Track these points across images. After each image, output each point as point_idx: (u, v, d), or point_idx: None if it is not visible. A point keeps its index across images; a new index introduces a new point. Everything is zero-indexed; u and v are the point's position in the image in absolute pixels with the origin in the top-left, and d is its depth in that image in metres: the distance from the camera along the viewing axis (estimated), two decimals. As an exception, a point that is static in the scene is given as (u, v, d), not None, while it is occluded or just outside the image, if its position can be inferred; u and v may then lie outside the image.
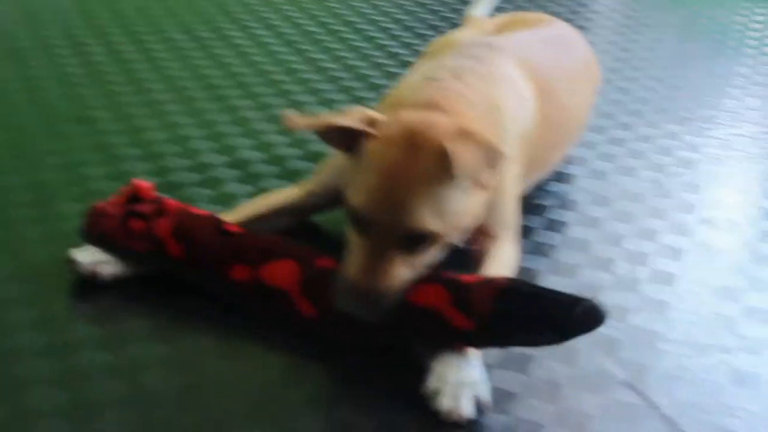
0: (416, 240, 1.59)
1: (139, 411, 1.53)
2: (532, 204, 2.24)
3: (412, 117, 1.68)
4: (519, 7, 3.77)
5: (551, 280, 1.95)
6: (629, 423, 1.57)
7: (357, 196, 1.62)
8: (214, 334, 1.73)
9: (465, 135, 1.60)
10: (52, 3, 3.40)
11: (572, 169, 2.43)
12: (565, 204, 2.26)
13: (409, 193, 1.58)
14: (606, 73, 3.10)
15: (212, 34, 3.23)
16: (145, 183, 1.91)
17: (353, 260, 1.60)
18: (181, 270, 1.81)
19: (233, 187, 2.22)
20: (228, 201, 2.14)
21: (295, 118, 1.70)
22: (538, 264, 2.00)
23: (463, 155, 1.56)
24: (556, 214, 2.21)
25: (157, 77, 2.83)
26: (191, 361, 1.66)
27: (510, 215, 1.90)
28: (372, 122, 1.67)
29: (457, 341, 1.61)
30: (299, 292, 1.70)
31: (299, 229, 2.03)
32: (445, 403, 1.53)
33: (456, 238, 1.67)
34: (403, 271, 1.60)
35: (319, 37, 3.31)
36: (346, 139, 1.67)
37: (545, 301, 1.56)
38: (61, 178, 2.22)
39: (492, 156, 1.59)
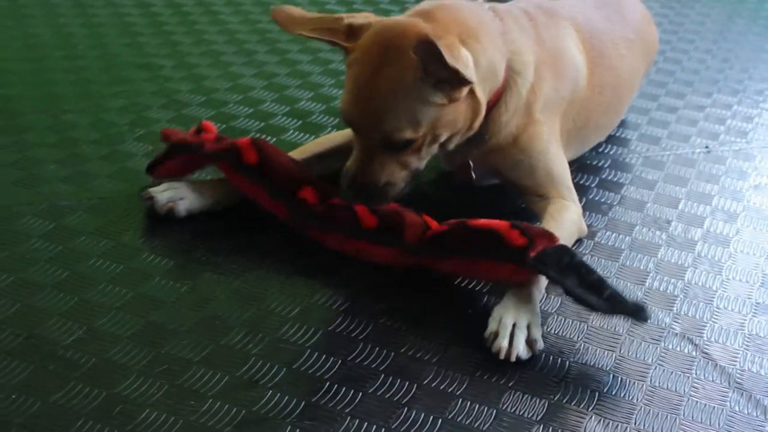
0: (396, 145, 1.70)
1: (209, 337, 1.58)
2: (586, 164, 2.26)
3: (389, 25, 1.73)
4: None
5: (607, 236, 1.97)
6: (686, 372, 1.60)
7: (341, 103, 1.76)
8: (277, 271, 1.77)
9: (417, 44, 1.60)
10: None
11: (626, 133, 2.45)
12: (619, 166, 2.28)
13: (381, 104, 1.67)
14: (660, 44, 3.11)
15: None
16: (210, 123, 1.98)
17: (353, 157, 1.75)
18: (251, 177, 1.85)
19: (295, 136, 2.27)
20: (290, 149, 2.17)
21: (285, 18, 1.77)
22: (594, 221, 2.03)
23: (426, 65, 1.62)
24: (611, 175, 2.23)
25: (216, 30, 2.87)
26: (257, 295, 1.70)
27: (553, 173, 1.93)
28: (353, 31, 1.74)
29: (511, 258, 1.65)
30: (366, 209, 1.78)
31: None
32: (499, 343, 1.58)
33: (437, 139, 1.74)
34: (391, 168, 1.72)
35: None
36: (334, 43, 1.76)
37: (602, 282, 1.61)
38: (125, 120, 2.28)
39: (456, 63, 1.62)
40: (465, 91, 1.70)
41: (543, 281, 1.70)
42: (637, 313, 1.60)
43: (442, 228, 1.73)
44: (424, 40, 1.58)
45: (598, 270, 1.65)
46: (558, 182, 1.93)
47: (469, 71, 1.65)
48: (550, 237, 1.67)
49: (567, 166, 1.99)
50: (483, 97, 1.76)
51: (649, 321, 1.63)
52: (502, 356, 1.58)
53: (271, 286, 1.73)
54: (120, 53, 2.67)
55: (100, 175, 2.02)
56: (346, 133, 2.06)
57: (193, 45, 2.75)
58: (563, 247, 1.67)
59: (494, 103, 1.83)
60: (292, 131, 2.29)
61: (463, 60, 1.65)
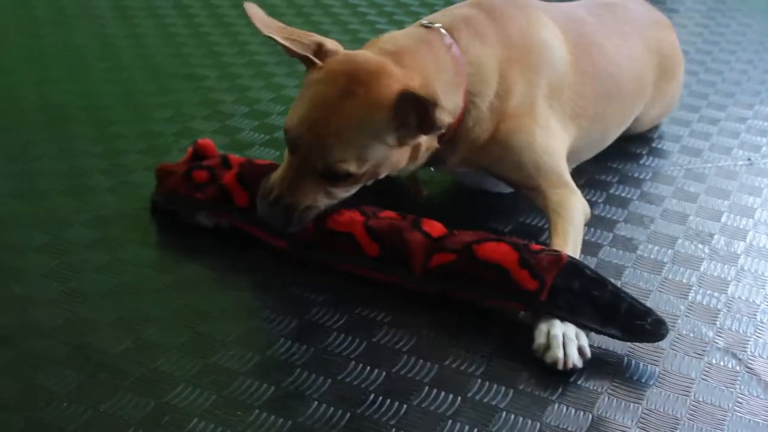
0: (336, 175, 1.71)
1: (256, 348, 1.60)
2: (628, 176, 2.26)
3: (360, 58, 1.76)
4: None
5: (649, 249, 1.97)
6: (730, 387, 1.60)
7: (289, 119, 1.74)
8: (322, 282, 1.79)
9: (406, 93, 1.65)
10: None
11: (667, 146, 2.45)
12: (661, 178, 2.28)
13: (334, 132, 1.68)
14: (698, 56, 3.11)
15: (310, 1, 3.29)
16: (208, 141, 1.97)
17: (278, 173, 1.74)
18: (245, 220, 1.84)
19: (336, 147, 2.28)
20: (332, 159, 2.20)
21: (259, 18, 1.77)
22: (636, 234, 2.03)
23: (398, 111, 1.67)
24: (652, 188, 2.23)
25: (259, 40, 2.90)
26: (302, 306, 1.72)
27: (540, 164, 1.94)
28: (321, 51, 1.76)
29: (522, 301, 1.66)
30: (366, 235, 1.75)
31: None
32: (555, 354, 1.59)
33: (375, 176, 1.77)
34: (317, 195, 1.73)
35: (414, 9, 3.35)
36: (298, 55, 1.76)
37: (616, 295, 1.65)
38: (171, 130, 2.31)
39: (426, 116, 1.67)
40: (418, 139, 1.76)
41: None
42: (655, 333, 1.63)
43: (448, 257, 1.70)
44: (426, 96, 1.65)
45: (613, 281, 1.68)
46: (548, 172, 1.94)
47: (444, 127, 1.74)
48: (558, 261, 1.67)
49: (560, 152, 1.99)
50: (426, 141, 1.80)
51: (666, 335, 1.63)
52: (560, 366, 1.58)
53: (316, 297, 1.74)
54: (164, 63, 2.71)
55: (147, 185, 2.05)
56: None
57: (236, 55, 2.79)
58: (572, 267, 1.67)
59: (456, 126, 1.87)
60: (334, 142, 2.31)
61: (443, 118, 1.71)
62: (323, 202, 1.75)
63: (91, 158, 2.16)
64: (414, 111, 1.68)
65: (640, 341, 1.65)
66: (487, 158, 1.94)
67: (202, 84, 2.58)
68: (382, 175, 1.79)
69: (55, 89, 2.51)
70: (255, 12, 1.78)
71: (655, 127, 2.52)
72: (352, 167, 1.70)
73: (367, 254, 1.76)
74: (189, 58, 2.75)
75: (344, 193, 1.77)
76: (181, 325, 1.64)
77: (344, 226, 1.77)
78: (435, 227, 1.78)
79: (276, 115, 2.43)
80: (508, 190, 2.05)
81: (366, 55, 1.78)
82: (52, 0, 3.15)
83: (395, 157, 1.76)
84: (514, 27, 1.99)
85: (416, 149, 1.79)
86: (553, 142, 1.98)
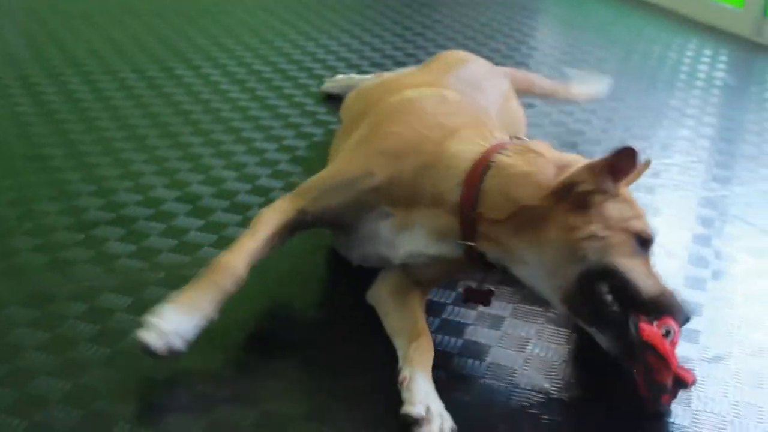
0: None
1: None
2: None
3: None
4: (461, 45, 3.87)
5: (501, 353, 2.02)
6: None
7: (647, 223, 1.83)
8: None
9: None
10: (4, 44, 3.46)
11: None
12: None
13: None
14: (543, 107, 3.22)
15: (162, 74, 3.30)
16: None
17: (653, 279, 1.78)
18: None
19: (184, 221, 2.29)
20: (178, 235, 2.21)
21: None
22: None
23: None
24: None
25: (108, 116, 2.90)
26: None
27: None
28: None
29: None
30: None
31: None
32: None
33: None
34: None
35: (266, 75, 3.39)
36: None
37: None
38: (13, 214, 2.28)
39: None
40: None
41: None
42: None
43: None
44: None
45: None
46: None
47: None
48: None
49: None
50: None
51: None
52: None
53: None
54: (10, 143, 2.67)
55: (-11, 279, 2.02)
56: (280, 216, 1.93)
57: (84, 132, 2.77)
58: None
59: None
60: (182, 216, 2.31)
61: None
62: None
63: (-71, 246, 2.12)
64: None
65: None
66: None
67: (48, 164, 2.56)
68: None
69: None
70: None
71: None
72: None
73: None
74: (35, 137, 2.72)
75: None
76: None
77: None
78: None
79: (122, 191, 2.41)
80: None
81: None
82: None
83: None
84: None
85: None
86: None
